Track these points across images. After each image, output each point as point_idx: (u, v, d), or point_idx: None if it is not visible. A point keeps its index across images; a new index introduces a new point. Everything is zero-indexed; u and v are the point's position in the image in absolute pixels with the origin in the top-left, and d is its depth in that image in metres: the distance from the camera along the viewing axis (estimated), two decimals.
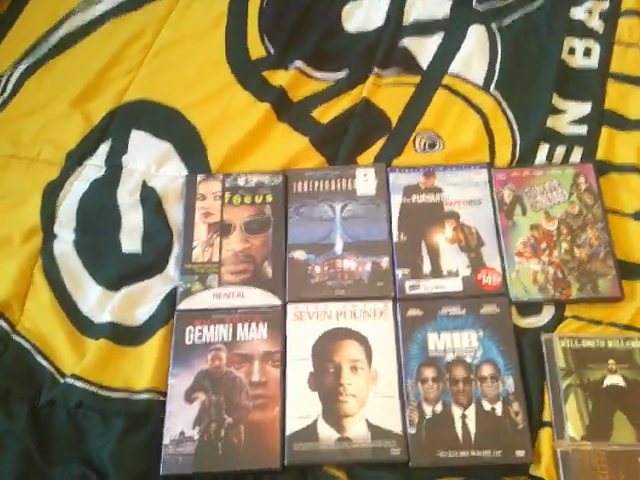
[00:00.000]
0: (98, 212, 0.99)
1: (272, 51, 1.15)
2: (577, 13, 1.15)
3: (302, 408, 0.81)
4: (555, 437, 0.77)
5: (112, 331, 0.88)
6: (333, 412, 0.80)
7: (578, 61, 1.10)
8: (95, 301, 0.91)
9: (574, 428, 0.77)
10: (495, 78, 1.09)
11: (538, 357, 0.83)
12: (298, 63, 1.12)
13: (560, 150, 1.00)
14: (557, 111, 1.04)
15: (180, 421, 0.80)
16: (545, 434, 0.78)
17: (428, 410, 0.80)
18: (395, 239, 0.93)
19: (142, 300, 0.91)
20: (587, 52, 1.11)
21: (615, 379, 0.80)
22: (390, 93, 1.09)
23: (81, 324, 0.90)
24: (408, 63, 1.12)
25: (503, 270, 0.89)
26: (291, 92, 1.09)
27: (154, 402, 0.83)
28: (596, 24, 1.14)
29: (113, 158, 1.04)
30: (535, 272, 0.89)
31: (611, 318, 0.85)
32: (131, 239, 0.97)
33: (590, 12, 1.14)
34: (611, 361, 0.81)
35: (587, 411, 0.78)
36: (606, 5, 1.15)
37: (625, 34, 1.11)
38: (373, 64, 1.11)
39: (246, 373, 0.83)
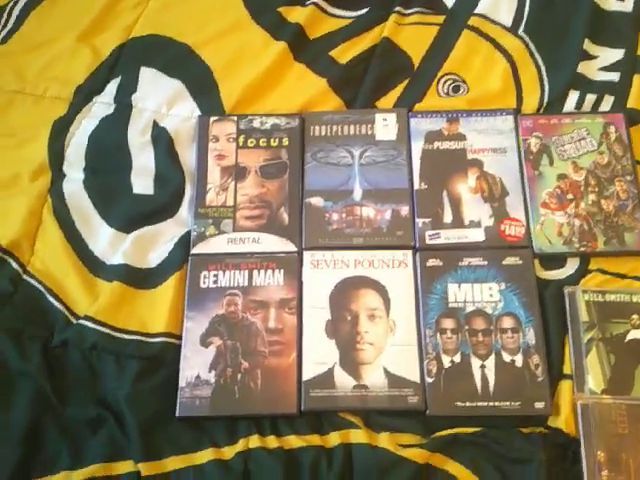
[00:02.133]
0: (108, 151, 0.96)
1: None
2: None
3: (319, 355, 0.80)
4: (575, 390, 0.76)
5: (125, 273, 0.86)
6: (350, 359, 0.80)
7: (612, 5, 1.05)
8: (107, 242, 0.89)
9: (595, 381, 0.77)
10: (524, 20, 1.03)
11: (560, 310, 0.81)
12: None
13: (590, 98, 0.96)
14: (588, 56, 0.99)
15: (196, 365, 0.80)
16: (565, 387, 0.77)
17: (446, 361, 0.79)
18: (416, 187, 0.90)
19: (155, 243, 0.89)
20: None
21: (638, 334, 0.79)
22: (413, 33, 1.04)
23: (93, 265, 0.88)
24: (432, 2, 1.06)
25: (527, 221, 0.87)
26: (308, 30, 1.04)
27: (169, 345, 0.82)
28: None
29: (123, 96, 1.00)
30: (560, 224, 0.86)
31: (636, 272, 0.84)
32: (143, 180, 0.94)
33: None
34: (635, 316, 0.80)
35: (609, 365, 0.77)
36: None
37: None
38: (395, 2, 1.06)
39: (262, 319, 0.82)
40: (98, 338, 0.81)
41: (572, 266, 0.85)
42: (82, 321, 0.83)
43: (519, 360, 0.78)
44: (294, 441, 0.76)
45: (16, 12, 1.10)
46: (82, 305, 0.85)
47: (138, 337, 0.83)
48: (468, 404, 0.76)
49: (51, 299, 0.86)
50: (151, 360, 0.81)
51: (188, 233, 0.89)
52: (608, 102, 0.96)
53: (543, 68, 0.99)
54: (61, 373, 0.80)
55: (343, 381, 0.78)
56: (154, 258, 0.88)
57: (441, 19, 1.05)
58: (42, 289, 0.86)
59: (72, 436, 0.77)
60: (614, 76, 0.98)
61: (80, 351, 0.81)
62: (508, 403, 0.76)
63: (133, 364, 0.80)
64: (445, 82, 0.99)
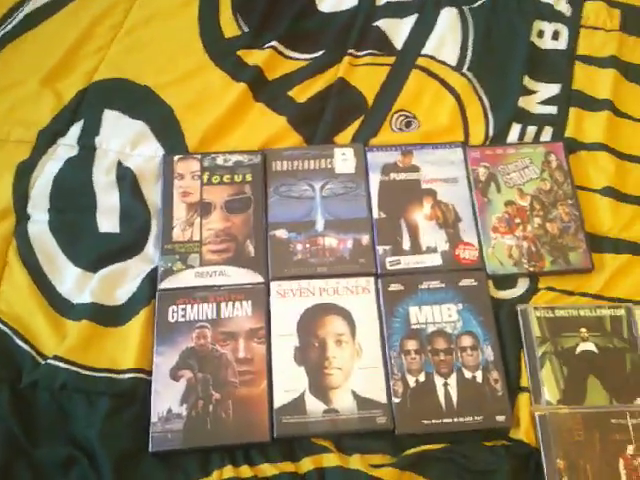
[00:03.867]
0: (73, 192, 0.97)
1: (246, 30, 1.15)
2: None
3: (289, 382, 0.82)
4: (533, 402, 0.81)
5: (93, 311, 0.87)
6: (319, 385, 0.82)
7: (547, 43, 1.14)
8: (73, 282, 0.90)
9: (550, 393, 0.81)
10: (467, 59, 1.11)
11: (515, 327, 0.86)
12: (273, 43, 1.12)
13: (531, 129, 1.03)
14: (528, 92, 1.07)
15: (167, 399, 0.81)
16: (523, 399, 0.81)
17: (411, 380, 0.82)
18: (375, 216, 0.95)
19: (122, 280, 0.90)
20: (555, 35, 1.15)
21: (587, 346, 0.84)
22: (366, 73, 1.10)
23: (60, 306, 0.88)
24: (383, 44, 1.13)
25: (480, 245, 0.92)
26: (267, 71, 1.09)
27: (139, 381, 0.82)
28: (564, 7, 1.17)
29: (86, 138, 1.02)
30: (510, 247, 0.92)
31: (582, 289, 0.89)
32: (108, 219, 0.95)
33: None
34: (583, 329, 0.85)
35: (562, 376, 0.82)
36: None
37: (591, 18, 1.15)
38: (348, 44, 1.12)
39: (232, 350, 0.84)
40: (67, 377, 0.81)
41: (523, 285, 0.90)
42: (51, 361, 0.83)
43: (479, 376, 0.82)
44: (267, 469, 0.77)
45: None
46: (50, 345, 0.85)
47: (108, 374, 0.83)
48: (434, 421, 0.79)
49: (18, 341, 0.86)
50: (122, 396, 0.81)
51: (155, 269, 0.91)
52: (548, 133, 1.03)
53: (487, 103, 1.06)
54: (30, 414, 0.80)
55: (313, 406, 0.81)
56: (122, 295, 0.89)
57: (391, 60, 1.11)
58: (8, 331, 0.86)
59: (43, 477, 0.76)
60: (552, 109, 1.06)
61: (49, 391, 0.81)
62: (471, 418, 0.79)
63: (104, 401, 0.80)
64: (398, 118, 1.05)
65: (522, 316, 0.86)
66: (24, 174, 0.98)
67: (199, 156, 0.99)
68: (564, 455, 0.77)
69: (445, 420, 0.79)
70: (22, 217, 0.95)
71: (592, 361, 0.83)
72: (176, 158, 0.99)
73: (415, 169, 0.99)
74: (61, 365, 0.82)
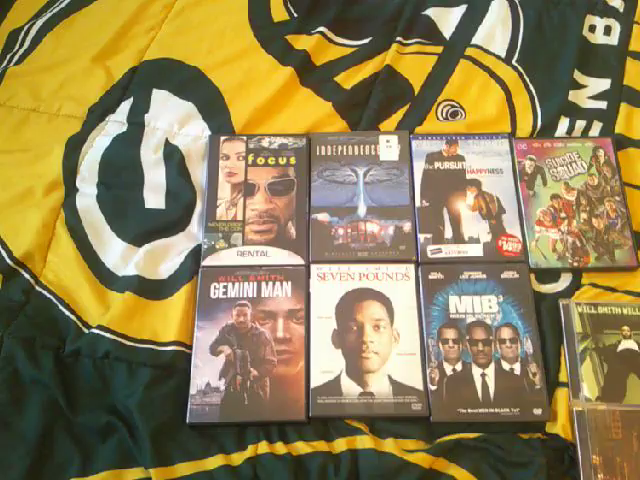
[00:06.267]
0: (121, 168, 0.99)
1: (295, 15, 1.15)
2: None
3: (326, 363, 0.83)
4: (571, 397, 0.80)
5: (137, 284, 0.88)
6: (356, 368, 0.82)
7: (598, 39, 1.12)
8: (119, 255, 0.92)
9: (589, 389, 0.80)
10: (517, 51, 1.10)
11: (556, 322, 0.85)
12: (321, 28, 1.12)
13: (580, 123, 1.02)
14: (578, 86, 1.06)
15: (206, 373, 0.82)
16: (561, 394, 0.81)
17: (449, 369, 0.82)
18: (417, 204, 0.94)
19: (166, 256, 0.92)
20: (607, 30, 1.13)
21: (629, 344, 0.83)
22: (413, 62, 1.09)
23: (105, 277, 0.91)
24: (431, 32, 1.13)
25: (523, 238, 0.91)
26: (314, 56, 1.10)
27: (180, 354, 0.84)
28: (617, 3, 1.15)
29: (135, 115, 1.04)
30: (554, 241, 0.91)
31: (626, 286, 0.88)
32: (154, 196, 0.97)
33: None
34: (625, 327, 0.84)
35: (602, 373, 0.81)
36: None
37: None
38: (396, 33, 1.12)
39: (271, 329, 0.85)
40: (110, 347, 0.83)
41: (566, 280, 0.89)
42: (94, 330, 0.85)
43: (518, 369, 0.81)
44: (302, 447, 0.78)
45: (32, 34, 1.14)
46: (94, 315, 0.87)
47: (150, 346, 0.85)
48: (470, 410, 0.79)
49: (63, 309, 0.88)
50: (162, 368, 0.83)
51: (198, 246, 0.92)
52: (597, 128, 1.02)
53: (536, 96, 1.05)
54: (73, 381, 0.82)
55: (349, 389, 0.81)
56: (165, 270, 0.91)
57: (440, 49, 1.11)
58: (54, 300, 0.89)
59: (83, 443, 0.79)
60: (602, 104, 1.04)
61: (92, 360, 0.83)
62: (508, 410, 0.79)
63: (145, 372, 0.82)
64: (444, 108, 1.05)
65: (564, 311, 0.86)
66: (74, 148, 1.01)
67: (245, 137, 1.01)
68: (600, 452, 0.76)
69: (481, 410, 0.79)
70: (71, 190, 0.97)
71: (633, 359, 0.82)
72: (222, 139, 1.00)
73: (460, 159, 0.98)
74: (105, 334, 0.84)
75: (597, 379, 0.81)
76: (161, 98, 1.06)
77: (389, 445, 0.77)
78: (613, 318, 0.85)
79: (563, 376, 0.82)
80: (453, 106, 1.05)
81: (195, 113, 1.04)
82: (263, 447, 0.78)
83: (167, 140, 1.02)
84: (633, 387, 0.80)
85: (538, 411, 0.79)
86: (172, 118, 1.03)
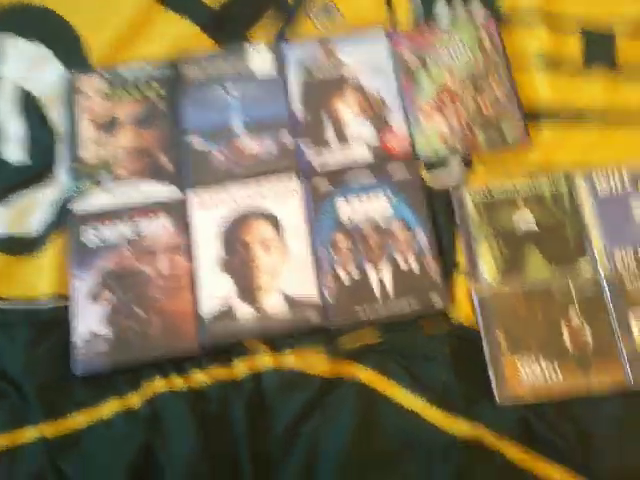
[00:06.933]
0: None
1: None
2: None
3: (216, 291, 0.78)
4: (473, 284, 0.77)
5: (5, 243, 0.82)
6: (248, 290, 0.78)
7: None
8: None
9: (489, 273, 0.78)
10: None
11: (449, 212, 0.82)
12: None
13: (458, 1, 0.96)
14: None
15: (89, 321, 0.76)
16: (461, 282, 0.78)
17: (343, 275, 0.78)
18: (298, 114, 0.88)
19: (33, 208, 0.85)
20: None
21: (527, 224, 0.80)
22: None
23: None
24: None
25: (410, 133, 0.87)
26: None
27: (60, 309, 0.78)
28: None
29: None
30: (442, 130, 0.87)
31: (520, 166, 0.85)
32: (13, 147, 0.88)
33: None
34: (522, 205, 0.81)
35: (501, 256, 0.78)
36: None
37: None
38: None
39: (153, 267, 0.79)
40: None
41: (457, 169, 0.85)
42: None
43: (413, 262, 0.78)
44: (200, 377, 0.74)
45: None
46: None
47: (27, 304, 0.79)
48: (368, 309, 0.76)
49: None
50: (42, 325, 0.77)
51: (66, 193, 0.85)
52: (476, 8, 0.96)
53: None
54: None
55: (243, 312, 0.77)
56: (34, 223, 0.84)
57: None
58: None
59: None
60: None
61: None
62: (406, 301, 0.76)
63: (24, 331, 0.77)
64: (316, 10, 0.98)
65: (456, 200, 0.82)
66: None
67: (104, 72, 0.92)
68: (505, 332, 0.74)
69: (380, 307, 0.76)
70: None
71: (531, 238, 0.79)
72: (79, 76, 0.92)
73: (337, 61, 0.92)
74: None
75: (496, 262, 0.78)
76: (7, 44, 0.96)
77: (290, 360, 0.74)
78: (508, 200, 0.82)
79: (461, 265, 0.79)
80: (326, 6, 0.98)
81: (47, 54, 0.95)
82: (160, 384, 0.73)
83: (21, 87, 0.93)
84: (533, 264, 0.78)
85: (437, 299, 0.76)
86: (22, 63, 0.94)
